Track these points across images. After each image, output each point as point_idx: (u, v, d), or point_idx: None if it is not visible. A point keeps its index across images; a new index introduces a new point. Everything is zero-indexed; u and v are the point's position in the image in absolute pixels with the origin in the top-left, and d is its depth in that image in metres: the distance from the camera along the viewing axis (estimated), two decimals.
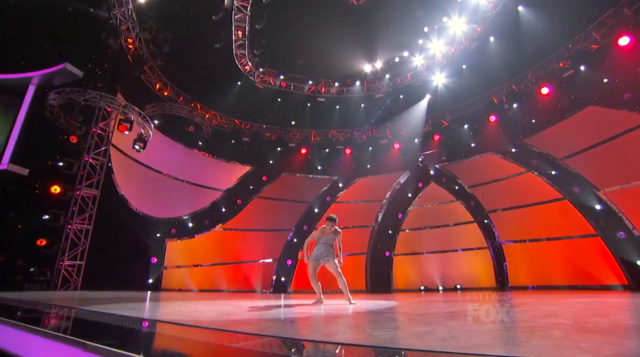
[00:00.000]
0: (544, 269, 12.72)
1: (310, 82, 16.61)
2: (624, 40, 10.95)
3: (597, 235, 11.64)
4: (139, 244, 14.53)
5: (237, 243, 16.75)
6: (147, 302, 6.96)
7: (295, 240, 18.07)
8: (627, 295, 8.06)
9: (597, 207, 11.71)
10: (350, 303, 5.91)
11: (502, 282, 14.26)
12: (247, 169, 18.28)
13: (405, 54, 14.90)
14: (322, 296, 6.30)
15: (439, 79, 15.18)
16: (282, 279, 17.18)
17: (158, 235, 15.32)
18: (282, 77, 16.48)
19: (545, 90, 12.91)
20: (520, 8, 11.67)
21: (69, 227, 12.52)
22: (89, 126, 13.05)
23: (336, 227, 6.30)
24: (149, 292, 12.51)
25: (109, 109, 13.39)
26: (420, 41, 14.21)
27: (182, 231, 15.98)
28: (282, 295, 13.09)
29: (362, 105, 17.19)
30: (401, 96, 16.24)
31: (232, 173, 17.93)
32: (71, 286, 12.12)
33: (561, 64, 12.78)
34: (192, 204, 16.35)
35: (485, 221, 15.52)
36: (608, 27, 11.53)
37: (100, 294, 8.96)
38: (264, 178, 18.52)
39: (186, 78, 15.66)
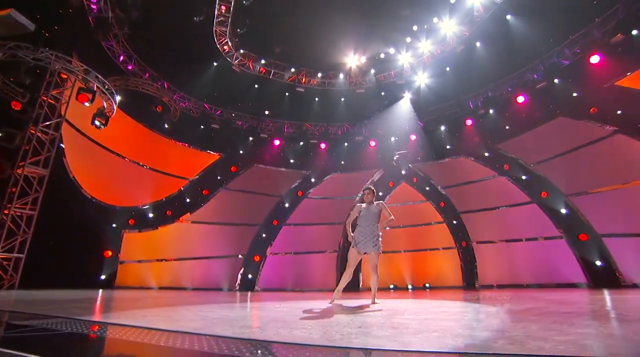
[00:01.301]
0: (513, 269, 13.69)
1: (293, 70, 16.17)
2: (594, 59, 12.12)
3: (561, 237, 12.79)
4: (92, 235, 13.06)
5: (202, 237, 15.82)
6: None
7: (263, 235, 17.57)
8: (583, 292, 8.76)
9: (563, 211, 12.87)
10: (374, 303, 5.35)
11: (469, 282, 15.09)
12: (215, 157, 17.34)
13: (392, 50, 15.14)
14: (337, 295, 5.80)
15: (422, 79, 15.65)
16: (249, 276, 16.60)
17: (114, 225, 13.92)
18: (262, 62, 15.84)
19: (521, 99, 13.88)
20: (508, 17, 12.42)
21: (6, 212, 10.84)
22: (37, 93, 11.38)
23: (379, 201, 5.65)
24: (100, 290, 11.18)
25: (64, 76, 11.80)
26: (408, 39, 14.53)
27: (142, 221, 14.68)
28: (249, 293, 12.53)
29: (342, 99, 17.15)
30: (382, 93, 16.46)
31: (199, 161, 16.89)
32: (5, 284, 10.48)
33: (535, 76, 13.84)
34: (154, 193, 15.09)
35: (455, 222, 16.33)
36: (580, 46, 12.70)
37: (38, 295, 7.55)
38: (233, 169, 17.72)
39: (155, 52, 14.37)
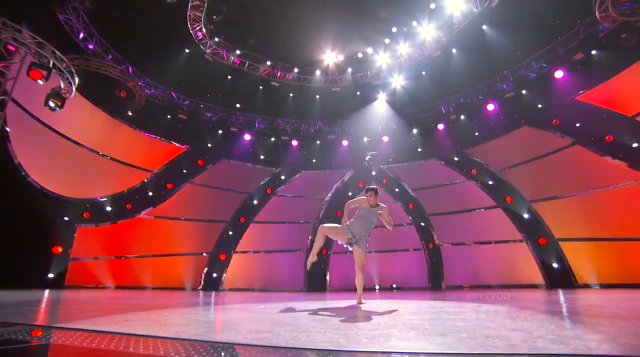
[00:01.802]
0: (478, 270, 14.33)
1: (269, 63, 15.77)
2: (558, 74, 13.01)
3: (523, 240, 13.59)
4: (39, 228, 11.91)
5: (166, 233, 15.02)
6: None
7: (230, 233, 17.06)
8: (540, 292, 9.38)
9: (526, 216, 13.68)
10: (361, 303, 5.26)
11: (436, 283, 15.60)
12: (181, 150, 16.53)
13: (370, 50, 15.25)
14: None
15: (398, 81, 15.94)
16: (214, 275, 16.03)
17: (66, 218, 12.78)
18: (237, 52, 15.28)
19: (491, 107, 14.59)
20: (484, 27, 12.97)
21: None
22: None
23: (379, 203, 5.40)
24: (47, 291, 10.17)
25: (11, 47, 10.58)
26: (387, 40, 14.72)
27: (99, 215, 13.63)
28: (213, 293, 12.08)
29: (317, 96, 17.03)
30: (358, 93, 16.56)
31: (164, 153, 16.01)
32: None
33: (504, 86, 14.60)
34: (114, 185, 14.07)
35: (423, 224, 16.82)
36: (546, 60, 13.57)
37: None
38: (200, 162, 17.01)
39: (120, 32, 13.37)
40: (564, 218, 12.79)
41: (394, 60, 15.22)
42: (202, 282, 15.68)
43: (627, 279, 10.76)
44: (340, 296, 9.17)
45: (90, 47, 13.26)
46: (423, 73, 15.16)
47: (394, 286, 16.30)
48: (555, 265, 12.63)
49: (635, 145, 11.48)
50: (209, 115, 17.26)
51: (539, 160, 13.63)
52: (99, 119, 13.59)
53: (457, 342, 2.16)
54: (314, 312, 4.30)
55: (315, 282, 16.38)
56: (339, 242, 5.59)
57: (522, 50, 13.83)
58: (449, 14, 13.13)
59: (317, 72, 15.96)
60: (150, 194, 15.14)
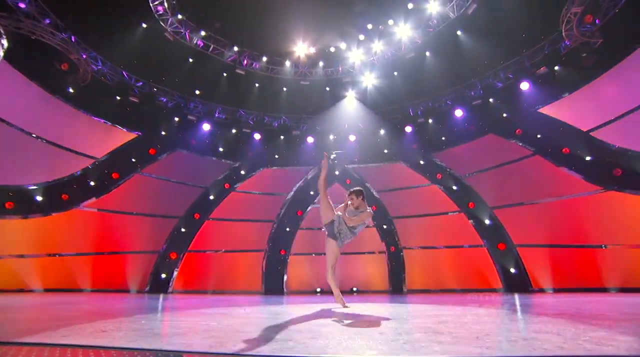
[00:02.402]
0: (439, 274, 14.61)
1: (235, 49, 14.80)
2: (524, 85, 13.64)
3: (483, 245, 14.07)
4: None
5: (108, 228, 13.54)
6: None
7: (182, 230, 15.87)
8: (497, 296, 9.76)
9: (487, 221, 14.17)
10: (346, 307, 5.19)
11: (397, 286, 15.68)
12: (131, 136, 15.01)
13: (343, 45, 14.92)
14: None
15: (369, 80, 15.78)
16: (162, 275, 14.80)
17: None
18: (202, 34, 14.14)
19: (459, 113, 14.95)
20: (459, 32, 13.21)
21: None
22: None
23: (367, 208, 5.24)
24: None
25: None
26: (362, 37, 14.49)
27: (27, 205, 11.83)
28: (161, 296, 11.09)
29: (285, 89, 16.36)
30: (327, 88, 16.17)
31: (111, 139, 14.41)
32: None
33: (472, 93, 15.05)
34: (48, 171, 12.33)
35: (385, 226, 16.86)
36: (512, 71, 14.17)
37: None
38: (152, 151, 15.59)
39: None
40: (522, 225, 13.42)
41: (368, 57, 15.04)
42: (149, 284, 14.39)
43: (579, 283, 11.52)
44: (305, 299, 8.78)
45: (22, 6, 11.41)
46: (395, 73, 15.16)
47: (355, 289, 16.15)
48: (512, 270, 13.21)
49: (588, 158, 12.30)
50: (165, 100, 15.88)
51: (501, 168, 14.21)
52: (33, 94, 11.81)
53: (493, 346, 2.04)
54: (313, 316, 3.87)
55: (272, 284, 15.78)
56: (322, 220, 5.46)
57: (492, 59, 14.32)
58: (427, 16, 13.21)
59: (287, 64, 15.30)
60: (92, 183, 13.54)
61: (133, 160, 14.91)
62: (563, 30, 11.74)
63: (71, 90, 12.52)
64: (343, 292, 15.65)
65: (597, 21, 11.22)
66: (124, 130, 14.75)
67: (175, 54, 14.40)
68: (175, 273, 15.03)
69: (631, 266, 10.89)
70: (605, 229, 11.53)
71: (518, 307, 5.46)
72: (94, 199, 13.47)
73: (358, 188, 5.40)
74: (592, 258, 11.66)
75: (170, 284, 14.83)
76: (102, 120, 13.97)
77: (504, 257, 13.51)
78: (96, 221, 13.51)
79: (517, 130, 14.02)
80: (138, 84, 15.04)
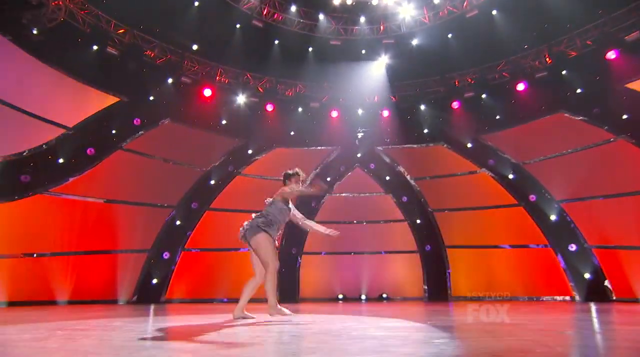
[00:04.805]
0: (492, 278, 13.00)
1: None
2: (611, 54, 11.88)
3: (548, 245, 12.50)
4: None
5: (85, 221, 10.98)
6: None
7: (178, 222, 13.44)
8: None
9: (553, 217, 12.56)
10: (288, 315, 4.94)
11: (435, 292, 13.99)
12: (110, 101, 12.19)
13: None
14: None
15: (414, 42, 13.49)
16: (154, 280, 12.43)
17: None
18: None
19: (521, 86, 13.11)
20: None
21: None
22: None
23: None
24: None
25: None
26: None
27: None
28: (152, 308, 8.96)
29: (310, 49, 13.84)
30: (363, 51, 13.78)
31: (85, 103, 11.59)
32: None
33: (536, 63, 13.21)
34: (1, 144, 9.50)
35: (419, 221, 15.03)
36: (592, 37, 12.36)
37: None
38: (137, 121, 12.84)
39: None
40: (598, 222, 11.90)
41: (418, 14, 12.73)
42: (137, 291, 11.98)
43: None
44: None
45: None
46: (449, 36, 13.00)
47: (384, 295, 14.44)
48: (587, 275, 11.75)
49: None
50: (153, 55, 13.07)
51: (573, 154, 12.53)
52: None
53: None
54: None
55: (283, 288, 13.71)
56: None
57: (563, 24, 12.50)
58: None
59: (321, 16, 12.69)
60: (61, 160, 10.76)
61: (113, 131, 12.14)
62: None
63: (35, 32, 9.56)
64: (370, 299, 13.83)
65: None
66: (102, 91, 11.92)
67: None
68: (170, 277, 12.66)
69: None
70: None
71: None
72: (63, 183, 10.73)
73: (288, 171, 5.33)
74: None
75: (164, 291, 12.47)
76: (72, 78, 11.08)
77: (577, 260, 12.00)
78: (66, 211, 10.83)
79: (594, 109, 12.30)
80: (119, 32, 12.19)
